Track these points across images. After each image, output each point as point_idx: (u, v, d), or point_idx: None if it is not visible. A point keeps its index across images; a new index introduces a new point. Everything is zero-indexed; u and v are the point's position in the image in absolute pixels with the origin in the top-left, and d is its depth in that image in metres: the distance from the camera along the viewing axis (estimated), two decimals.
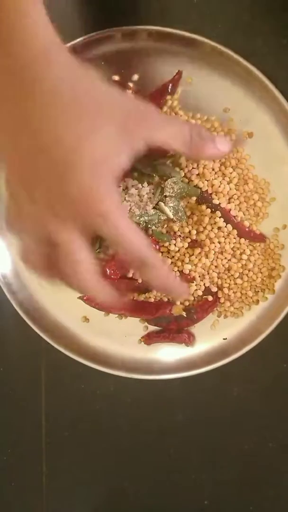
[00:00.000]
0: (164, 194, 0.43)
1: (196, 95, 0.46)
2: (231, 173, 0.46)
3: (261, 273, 0.47)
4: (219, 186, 0.45)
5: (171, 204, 0.43)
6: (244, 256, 0.47)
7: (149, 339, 0.49)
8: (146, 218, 0.43)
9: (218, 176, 0.46)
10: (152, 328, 0.50)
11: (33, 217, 0.33)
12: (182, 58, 0.46)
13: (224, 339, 0.49)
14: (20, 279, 0.50)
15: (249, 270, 0.47)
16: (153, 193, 0.43)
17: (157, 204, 0.43)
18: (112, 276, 0.44)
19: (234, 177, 0.46)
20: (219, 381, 0.50)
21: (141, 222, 0.43)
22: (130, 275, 0.46)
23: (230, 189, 0.46)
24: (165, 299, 0.48)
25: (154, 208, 0.43)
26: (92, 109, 0.32)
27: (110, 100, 0.33)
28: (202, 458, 0.52)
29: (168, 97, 0.46)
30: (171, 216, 0.43)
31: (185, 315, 0.48)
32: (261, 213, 0.47)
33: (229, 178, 0.46)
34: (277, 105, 0.45)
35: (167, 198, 0.43)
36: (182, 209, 0.44)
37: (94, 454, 0.54)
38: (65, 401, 0.53)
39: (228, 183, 0.46)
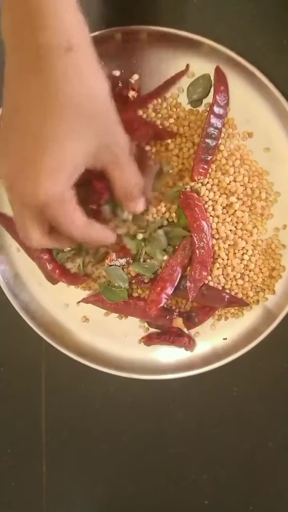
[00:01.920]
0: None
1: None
2: (238, 170, 0.46)
3: (262, 273, 0.48)
4: (229, 184, 0.46)
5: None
6: (246, 257, 0.47)
7: (149, 340, 0.49)
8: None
9: (223, 174, 0.46)
10: (152, 329, 0.50)
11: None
12: (182, 58, 0.46)
13: (224, 339, 0.49)
14: (21, 280, 0.50)
15: (250, 271, 0.47)
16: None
17: None
18: None
19: (240, 174, 0.46)
20: (219, 381, 0.50)
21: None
22: None
23: (237, 186, 0.46)
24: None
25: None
26: (75, 118, 0.33)
27: (99, 117, 0.35)
28: (202, 458, 0.52)
29: (169, 94, 0.46)
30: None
31: (186, 331, 0.49)
32: (265, 213, 0.47)
33: (234, 175, 0.46)
34: (277, 105, 0.45)
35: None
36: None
37: (94, 454, 0.54)
38: (65, 401, 0.53)
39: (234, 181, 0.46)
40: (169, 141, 0.46)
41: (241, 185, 0.46)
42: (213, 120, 0.45)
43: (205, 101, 0.47)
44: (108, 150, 0.36)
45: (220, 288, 0.48)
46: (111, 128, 0.36)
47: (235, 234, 0.47)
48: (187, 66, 0.46)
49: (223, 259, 0.47)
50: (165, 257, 0.47)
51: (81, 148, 0.34)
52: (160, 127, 0.46)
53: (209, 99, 0.46)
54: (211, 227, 0.46)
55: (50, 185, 0.33)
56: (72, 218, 0.36)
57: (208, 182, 0.46)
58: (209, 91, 0.46)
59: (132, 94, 0.46)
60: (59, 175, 0.34)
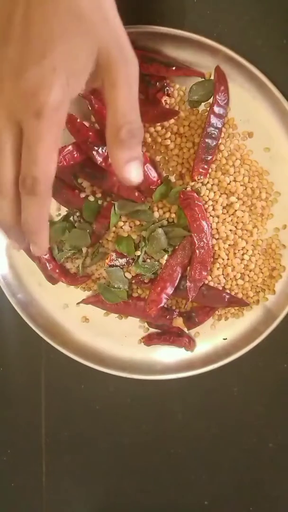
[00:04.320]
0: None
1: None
2: (238, 170, 0.46)
3: (262, 273, 0.48)
4: (229, 184, 0.46)
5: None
6: (246, 257, 0.47)
7: (149, 340, 0.49)
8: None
9: (223, 174, 0.46)
10: (152, 329, 0.50)
11: None
12: (182, 58, 0.46)
13: (224, 339, 0.49)
14: (20, 280, 0.50)
15: (250, 271, 0.47)
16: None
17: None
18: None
19: (240, 174, 0.46)
20: (219, 381, 0.50)
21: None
22: None
23: (237, 186, 0.46)
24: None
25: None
26: (79, 15, 0.32)
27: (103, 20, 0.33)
28: (202, 458, 0.52)
29: (176, 92, 0.46)
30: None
31: (186, 331, 0.49)
32: (265, 213, 0.47)
33: (234, 175, 0.46)
34: (277, 105, 0.45)
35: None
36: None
37: (94, 454, 0.54)
38: (65, 401, 0.53)
39: (234, 181, 0.46)
40: (169, 141, 0.46)
41: (241, 185, 0.46)
42: (213, 120, 0.45)
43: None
44: (109, 57, 0.33)
45: (220, 288, 0.48)
46: (115, 32, 0.34)
47: (235, 234, 0.47)
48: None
49: (223, 259, 0.47)
50: (165, 257, 0.47)
51: (86, 44, 0.32)
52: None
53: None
54: (211, 227, 0.46)
55: (55, 79, 0.31)
56: (46, 135, 0.32)
57: (208, 182, 0.46)
58: (210, 96, 0.46)
59: (165, 99, 0.46)
60: (65, 69, 0.32)
